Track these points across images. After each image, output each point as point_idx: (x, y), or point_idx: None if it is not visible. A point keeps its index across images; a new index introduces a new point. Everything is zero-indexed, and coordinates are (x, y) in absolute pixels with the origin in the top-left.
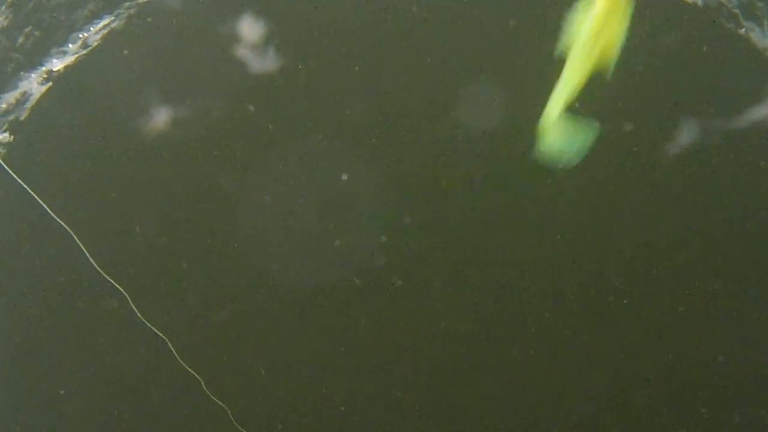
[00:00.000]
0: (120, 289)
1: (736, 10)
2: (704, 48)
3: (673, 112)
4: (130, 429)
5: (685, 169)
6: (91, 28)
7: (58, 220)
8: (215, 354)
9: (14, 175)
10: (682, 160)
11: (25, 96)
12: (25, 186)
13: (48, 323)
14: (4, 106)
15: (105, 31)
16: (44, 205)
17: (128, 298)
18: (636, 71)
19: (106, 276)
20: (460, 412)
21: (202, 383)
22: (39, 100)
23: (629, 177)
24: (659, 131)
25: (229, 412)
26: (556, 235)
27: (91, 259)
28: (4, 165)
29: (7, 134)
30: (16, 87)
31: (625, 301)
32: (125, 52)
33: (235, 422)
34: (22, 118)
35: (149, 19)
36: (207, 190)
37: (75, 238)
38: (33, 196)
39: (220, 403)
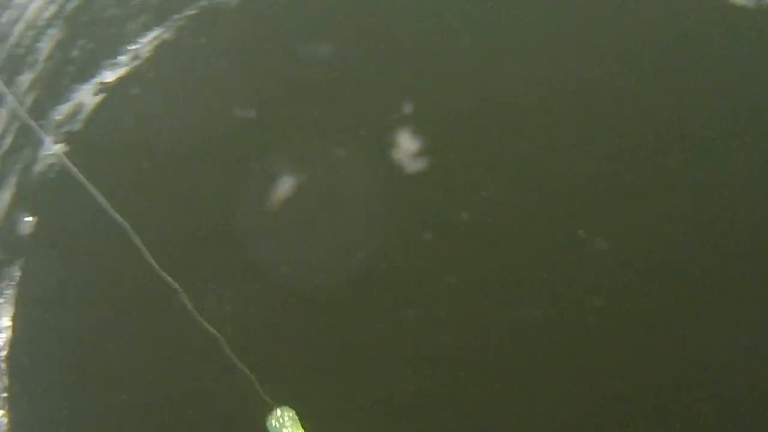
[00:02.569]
0: (176, 286)
1: None
2: None
3: None
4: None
5: None
6: (142, 40)
7: (117, 217)
8: (269, 353)
9: (77, 173)
10: None
11: (79, 108)
12: (86, 183)
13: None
14: (58, 117)
15: (156, 43)
16: (104, 201)
17: (183, 294)
18: None
19: (163, 274)
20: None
21: (255, 381)
22: (92, 112)
23: None
24: None
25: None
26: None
27: (149, 258)
28: (67, 162)
29: (62, 145)
30: (70, 99)
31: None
32: (175, 62)
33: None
34: (75, 129)
35: (198, 31)
36: (261, 199)
37: (133, 236)
38: (95, 194)
39: (268, 400)
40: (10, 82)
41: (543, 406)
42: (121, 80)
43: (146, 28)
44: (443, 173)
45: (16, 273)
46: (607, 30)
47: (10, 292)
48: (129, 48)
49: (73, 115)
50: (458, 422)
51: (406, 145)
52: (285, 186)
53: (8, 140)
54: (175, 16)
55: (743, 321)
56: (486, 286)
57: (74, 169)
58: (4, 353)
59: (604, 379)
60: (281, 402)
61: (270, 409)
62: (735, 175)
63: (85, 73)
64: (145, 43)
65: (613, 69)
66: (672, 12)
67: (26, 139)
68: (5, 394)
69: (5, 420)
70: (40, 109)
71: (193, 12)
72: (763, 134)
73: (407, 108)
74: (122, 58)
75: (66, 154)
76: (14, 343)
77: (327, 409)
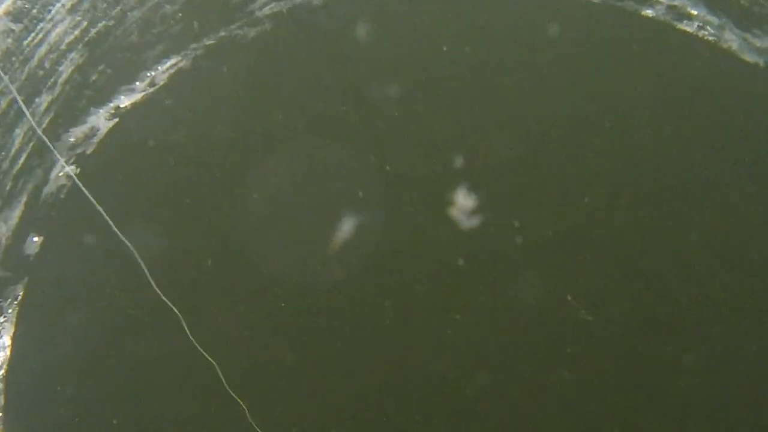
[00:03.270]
0: (175, 310)
1: None
2: None
3: None
4: None
5: None
6: (159, 68)
7: (123, 238)
8: (262, 382)
9: (87, 193)
10: None
11: (93, 131)
12: (95, 203)
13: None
14: (72, 140)
15: (172, 71)
16: (111, 223)
17: (182, 319)
18: None
19: (163, 297)
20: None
21: (246, 411)
22: (106, 135)
23: None
24: None
25: None
26: None
27: (153, 283)
28: (77, 180)
29: (74, 167)
30: (84, 122)
31: None
32: (191, 90)
33: None
34: (89, 152)
35: (215, 60)
36: (272, 225)
37: (139, 259)
38: (103, 216)
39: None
40: (28, 103)
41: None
42: (135, 105)
43: (164, 55)
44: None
45: (19, 292)
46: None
47: (11, 311)
48: (147, 75)
49: (87, 137)
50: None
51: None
52: (292, 211)
53: (21, 160)
54: (193, 45)
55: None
56: None
57: (84, 190)
58: (2, 372)
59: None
60: None
61: None
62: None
63: (101, 98)
64: (163, 71)
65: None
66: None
67: (39, 160)
68: (1, 413)
69: None
70: (55, 131)
71: (211, 42)
72: None
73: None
74: (139, 85)
75: (77, 175)
76: (13, 363)
77: None
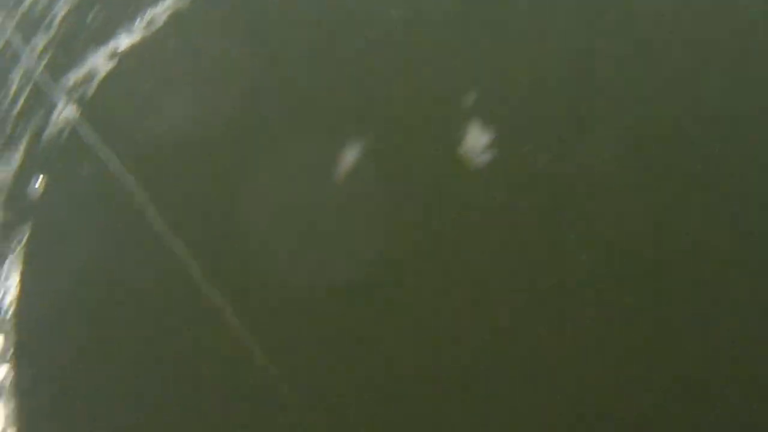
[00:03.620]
0: (184, 252)
1: None
2: None
3: None
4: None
5: None
6: (157, 9)
7: (127, 180)
8: (268, 312)
9: (90, 133)
10: None
11: (92, 73)
12: (100, 146)
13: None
14: (71, 82)
15: (169, 12)
16: (116, 165)
17: (187, 254)
18: None
19: (166, 234)
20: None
21: (284, 386)
22: (105, 78)
23: None
24: None
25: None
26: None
27: (157, 220)
28: (82, 124)
29: (74, 109)
30: (83, 64)
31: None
32: (188, 32)
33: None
34: (89, 94)
35: (214, 3)
36: (278, 153)
37: (144, 199)
38: (105, 157)
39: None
40: (24, 44)
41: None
42: (134, 47)
43: None
44: None
45: (25, 234)
46: None
47: (17, 252)
48: (144, 16)
49: (86, 80)
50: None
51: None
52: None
53: (20, 102)
54: None
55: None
56: None
57: (88, 132)
58: (12, 310)
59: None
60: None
61: None
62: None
63: (99, 40)
64: (161, 11)
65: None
66: None
67: (38, 102)
68: (11, 350)
69: (12, 374)
70: (53, 73)
71: None
72: None
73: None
74: (137, 26)
75: (77, 118)
76: (21, 302)
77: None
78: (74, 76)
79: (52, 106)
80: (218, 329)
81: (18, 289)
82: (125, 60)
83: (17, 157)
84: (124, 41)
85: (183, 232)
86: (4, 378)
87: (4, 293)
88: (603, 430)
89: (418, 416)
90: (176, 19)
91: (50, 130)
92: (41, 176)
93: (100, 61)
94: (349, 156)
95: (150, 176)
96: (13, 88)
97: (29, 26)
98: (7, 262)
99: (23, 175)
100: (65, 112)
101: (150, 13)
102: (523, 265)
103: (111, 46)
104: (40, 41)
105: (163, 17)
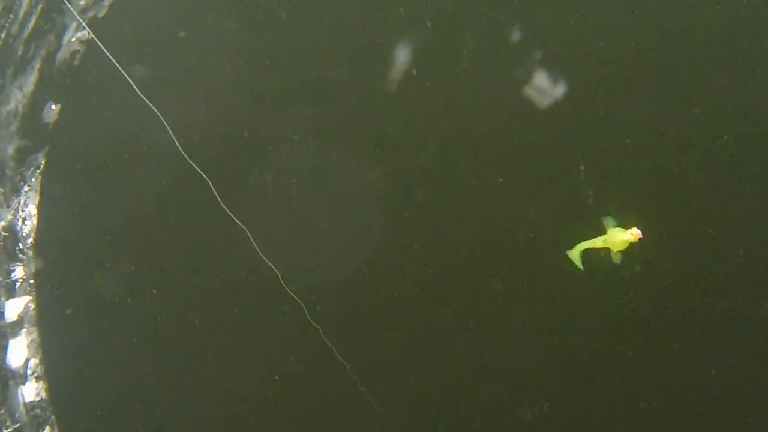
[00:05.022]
0: (202, 174)
1: None
2: None
3: None
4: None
5: None
6: None
7: (146, 100)
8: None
9: (109, 55)
10: None
11: None
12: (117, 65)
13: None
14: (82, 3)
15: None
16: (134, 85)
17: (210, 183)
18: None
19: (189, 161)
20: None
21: (279, 276)
22: None
23: None
24: None
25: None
26: None
27: (176, 141)
28: (99, 44)
29: (85, 32)
30: None
31: None
32: None
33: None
34: (100, 15)
35: None
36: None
37: (162, 120)
38: (121, 80)
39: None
40: None
41: None
42: None
43: None
44: None
45: (41, 160)
46: None
47: (35, 179)
48: None
49: (97, 1)
50: None
51: None
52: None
53: (30, 24)
54: None
55: None
56: None
57: (106, 52)
58: (30, 239)
59: None
60: None
61: None
62: None
63: None
64: None
65: None
66: None
67: (50, 24)
68: (32, 280)
69: (33, 304)
70: None
71: None
72: None
73: None
74: None
75: (89, 40)
76: (40, 230)
77: None
78: None
79: (64, 29)
80: (250, 257)
81: (36, 218)
82: None
83: (30, 81)
84: None
85: (201, 150)
86: (26, 308)
87: (24, 220)
88: None
89: None
90: None
91: (62, 54)
92: (56, 102)
93: None
94: None
95: (170, 98)
96: (22, 11)
97: None
98: (25, 188)
99: (37, 101)
100: (77, 34)
101: None
102: None
103: None
104: None
105: None
